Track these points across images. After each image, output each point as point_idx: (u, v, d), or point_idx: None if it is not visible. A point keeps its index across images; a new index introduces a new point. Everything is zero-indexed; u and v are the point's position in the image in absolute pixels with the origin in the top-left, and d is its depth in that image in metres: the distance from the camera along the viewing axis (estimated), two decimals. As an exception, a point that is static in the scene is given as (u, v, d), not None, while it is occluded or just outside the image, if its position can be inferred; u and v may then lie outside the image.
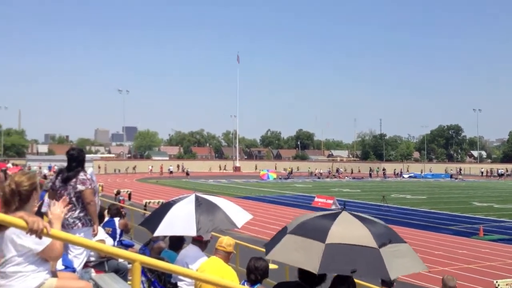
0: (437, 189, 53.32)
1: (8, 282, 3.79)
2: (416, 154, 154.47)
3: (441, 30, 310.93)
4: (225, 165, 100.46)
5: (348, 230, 4.20)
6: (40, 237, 3.03)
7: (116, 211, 9.66)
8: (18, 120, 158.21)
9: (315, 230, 4.23)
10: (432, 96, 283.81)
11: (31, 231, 2.92)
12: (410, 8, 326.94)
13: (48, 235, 3.04)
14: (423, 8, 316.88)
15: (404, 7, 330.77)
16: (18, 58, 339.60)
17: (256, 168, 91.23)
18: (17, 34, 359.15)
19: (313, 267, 3.91)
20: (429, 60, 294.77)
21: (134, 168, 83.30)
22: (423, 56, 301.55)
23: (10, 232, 3.74)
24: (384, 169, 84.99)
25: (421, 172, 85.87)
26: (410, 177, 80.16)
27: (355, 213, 4.61)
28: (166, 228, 6.06)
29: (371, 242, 4.06)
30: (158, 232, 6.05)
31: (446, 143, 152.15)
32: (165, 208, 6.41)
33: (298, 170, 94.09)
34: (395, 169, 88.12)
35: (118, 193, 32.36)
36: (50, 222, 3.84)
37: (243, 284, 5.98)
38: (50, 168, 61.13)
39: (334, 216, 4.40)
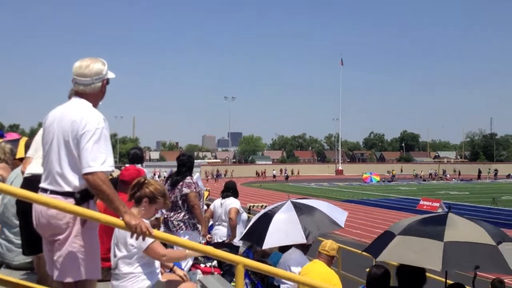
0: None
1: (121, 283, 4.01)
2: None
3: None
4: (328, 167, 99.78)
5: (463, 229, 4.25)
6: (143, 239, 3.19)
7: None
8: (132, 129, 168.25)
9: (429, 230, 4.28)
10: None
11: (135, 233, 3.08)
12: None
13: (151, 236, 3.19)
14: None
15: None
16: (130, 71, 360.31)
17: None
18: (131, 48, 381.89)
19: (435, 265, 3.96)
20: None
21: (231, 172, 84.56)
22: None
23: (122, 232, 3.96)
24: (496, 170, 79.56)
25: None
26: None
27: (462, 215, 4.64)
28: (273, 239, 6.02)
29: (489, 240, 4.11)
30: (266, 245, 6.02)
31: None
32: (265, 219, 6.34)
33: (401, 172, 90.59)
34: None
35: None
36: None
37: None
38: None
39: (443, 217, 4.45)
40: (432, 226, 4.34)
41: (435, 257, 3.93)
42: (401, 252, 4.23)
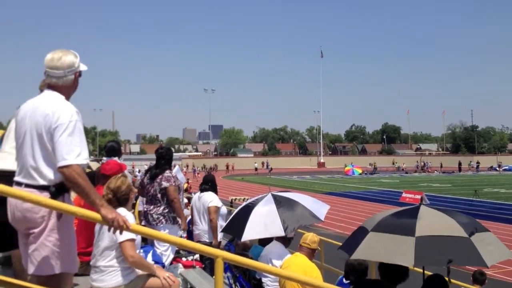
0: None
1: (101, 277, 3.99)
2: (511, 146, 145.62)
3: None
4: (310, 159, 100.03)
5: (435, 222, 4.20)
6: (120, 233, 3.15)
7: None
8: (112, 122, 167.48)
9: (400, 226, 4.23)
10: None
11: (112, 227, 3.06)
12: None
13: (128, 230, 3.15)
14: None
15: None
16: (108, 63, 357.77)
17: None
18: (110, 40, 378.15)
19: (408, 262, 3.92)
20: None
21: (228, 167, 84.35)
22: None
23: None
24: (478, 162, 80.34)
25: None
26: (505, 170, 75.67)
27: (433, 206, 4.59)
28: (252, 231, 6.00)
29: (461, 232, 4.05)
30: (245, 237, 6.00)
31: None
32: (245, 211, 6.33)
33: (393, 164, 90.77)
34: (499, 163, 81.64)
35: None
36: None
37: (341, 280, 5.93)
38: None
39: (414, 211, 4.41)
40: (403, 220, 4.31)
41: (407, 253, 3.90)
42: (374, 249, 4.20)
